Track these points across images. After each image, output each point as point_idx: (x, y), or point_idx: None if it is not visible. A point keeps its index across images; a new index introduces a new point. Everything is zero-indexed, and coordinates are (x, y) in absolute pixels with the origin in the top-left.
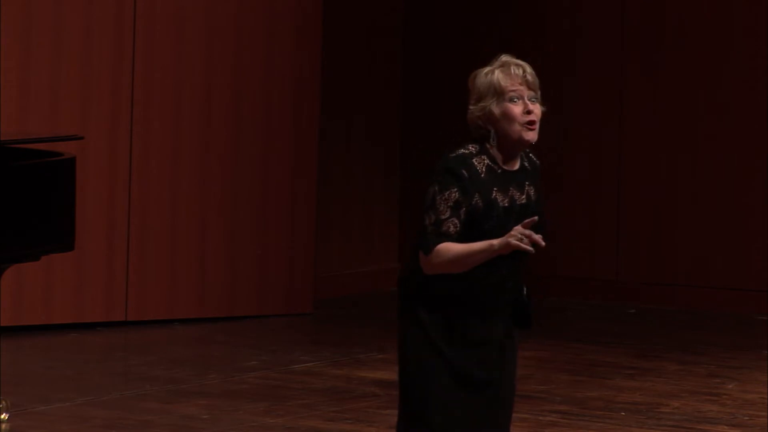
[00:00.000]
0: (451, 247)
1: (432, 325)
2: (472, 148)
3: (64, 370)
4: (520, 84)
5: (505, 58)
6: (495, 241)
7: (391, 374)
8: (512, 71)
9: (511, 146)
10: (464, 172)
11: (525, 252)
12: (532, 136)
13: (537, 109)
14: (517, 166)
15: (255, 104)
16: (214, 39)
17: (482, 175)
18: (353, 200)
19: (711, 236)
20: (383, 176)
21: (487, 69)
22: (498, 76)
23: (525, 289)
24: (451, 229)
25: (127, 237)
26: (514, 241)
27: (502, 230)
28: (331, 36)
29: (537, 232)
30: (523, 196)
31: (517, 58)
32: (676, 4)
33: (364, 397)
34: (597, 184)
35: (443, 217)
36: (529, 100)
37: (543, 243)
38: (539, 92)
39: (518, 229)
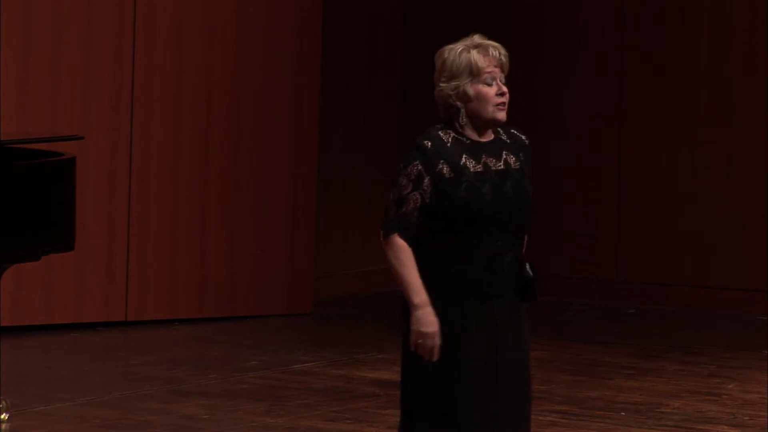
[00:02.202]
0: (400, 254)
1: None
2: (438, 125)
3: (64, 370)
4: (495, 66)
5: (478, 38)
6: (417, 303)
7: (391, 374)
8: (490, 53)
9: (482, 125)
10: (427, 142)
11: (519, 225)
12: (503, 116)
13: (506, 89)
14: (490, 138)
15: (255, 104)
16: (214, 39)
17: (448, 145)
18: (353, 200)
19: (711, 236)
20: (383, 176)
21: (459, 47)
22: (475, 56)
23: (528, 264)
24: (411, 205)
25: (127, 237)
26: (418, 337)
27: (479, 198)
28: (331, 36)
29: (523, 221)
30: (500, 163)
31: (519, 57)
32: (676, 4)
33: (364, 397)
34: (597, 184)
35: (405, 192)
36: (501, 81)
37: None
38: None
39: (434, 340)
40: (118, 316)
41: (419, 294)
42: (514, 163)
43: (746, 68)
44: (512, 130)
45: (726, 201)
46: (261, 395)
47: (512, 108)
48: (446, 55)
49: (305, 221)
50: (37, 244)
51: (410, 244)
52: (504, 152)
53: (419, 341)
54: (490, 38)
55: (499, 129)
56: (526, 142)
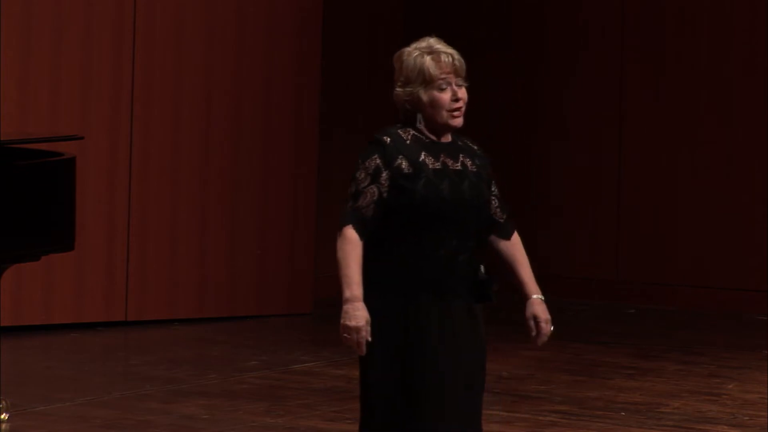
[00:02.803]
0: (346, 246)
1: (384, 313)
2: (398, 125)
3: (64, 370)
4: (449, 72)
5: (434, 43)
6: (348, 297)
7: None
8: (442, 59)
9: (438, 129)
10: (386, 138)
11: (474, 227)
12: (458, 122)
13: (463, 93)
14: (449, 140)
15: (255, 104)
16: (214, 39)
17: (407, 142)
18: None
19: (711, 236)
20: None
21: (415, 52)
22: (428, 63)
23: (482, 267)
24: (368, 198)
25: (127, 237)
26: (344, 331)
27: (437, 194)
28: (331, 36)
29: (478, 223)
30: (458, 164)
31: (519, 57)
32: (676, 4)
33: None
34: (597, 184)
35: (362, 186)
36: (456, 86)
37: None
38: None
39: (359, 334)
40: (118, 316)
41: (351, 288)
42: (471, 165)
43: (746, 68)
44: (466, 140)
45: (726, 201)
46: (261, 395)
47: (512, 108)
48: (403, 58)
49: (305, 221)
50: (37, 244)
51: (365, 238)
52: (461, 155)
53: (345, 335)
54: (490, 38)
55: (454, 136)
56: (479, 151)
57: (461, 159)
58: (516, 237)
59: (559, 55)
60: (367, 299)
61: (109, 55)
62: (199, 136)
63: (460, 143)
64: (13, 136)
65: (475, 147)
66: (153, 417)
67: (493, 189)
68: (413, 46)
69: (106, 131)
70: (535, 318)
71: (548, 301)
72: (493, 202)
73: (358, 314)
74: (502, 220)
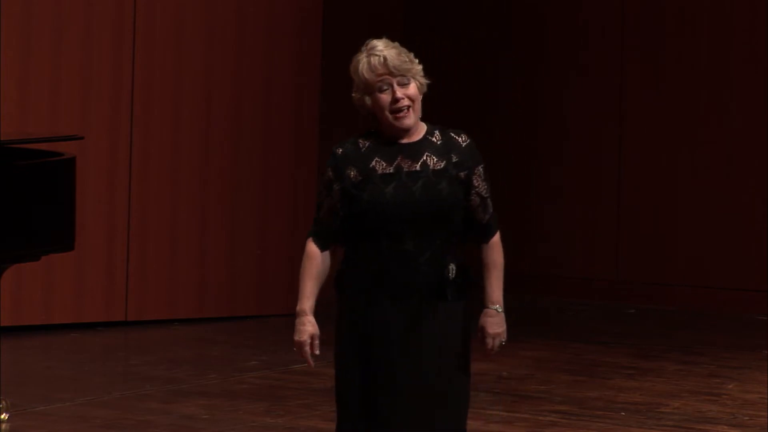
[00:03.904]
0: (305, 260)
1: (350, 315)
2: (371, 129)
3: (64, 370)
4: (383, 73)
5: (374, 45)
6: (297, 311)
7: None
8: (372, 62)
9: (393, 131)
10: (338, 150)
11: (438, 226)
12: (404, 122)
13: (406, 91)
14: (415, 139)
15: (255, 104)
16: (214, 39)
17: (362, 150)
18: None
19: (711, 236)
20: None
21: (358, 57)
22: (363, 69)
23: (453, 267)
24: (325, 209)
25: (127, 237)
26: (294, 345)
27: (380, 197)
28: (331, 36)
29: (437, 221)
30: (416, 165)
31: (519, 57)
32: (676, 4)
33: None
34: (597, 184)
35: (320, 199)
36: (399, 85)
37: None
38: (413, 68)
39: (302, 349)
40: (118, 316)
41: (300, 302)
42: (435, 164)
43: (746, 68)
44: (451, 133)
45: (726, 201)
46: (261, 395)
47: (512, 108)
48: (352, 65)
49: (305, 221)
50: (37, 244)
51: (328, 249)
52: (426, 153)
53: (294, 349)
54: (490, 38)
55: (435, 131)
56: (464, 144)
57: (424, 158)
58: (495, 240)
59: (559, 55)
60: (339, 302)
61: (109, 55)
62: (199, 136)
63: (433, 139)
64: (13, 136)
65: (462, 139)
66: (153, 417)
67: (476, 185)
68: (361, 52)
69: (106, 131)
70: (483, 330)
71: (548, 301)
72: (474, 200)
73: (302, 329)
74: (483, 221)
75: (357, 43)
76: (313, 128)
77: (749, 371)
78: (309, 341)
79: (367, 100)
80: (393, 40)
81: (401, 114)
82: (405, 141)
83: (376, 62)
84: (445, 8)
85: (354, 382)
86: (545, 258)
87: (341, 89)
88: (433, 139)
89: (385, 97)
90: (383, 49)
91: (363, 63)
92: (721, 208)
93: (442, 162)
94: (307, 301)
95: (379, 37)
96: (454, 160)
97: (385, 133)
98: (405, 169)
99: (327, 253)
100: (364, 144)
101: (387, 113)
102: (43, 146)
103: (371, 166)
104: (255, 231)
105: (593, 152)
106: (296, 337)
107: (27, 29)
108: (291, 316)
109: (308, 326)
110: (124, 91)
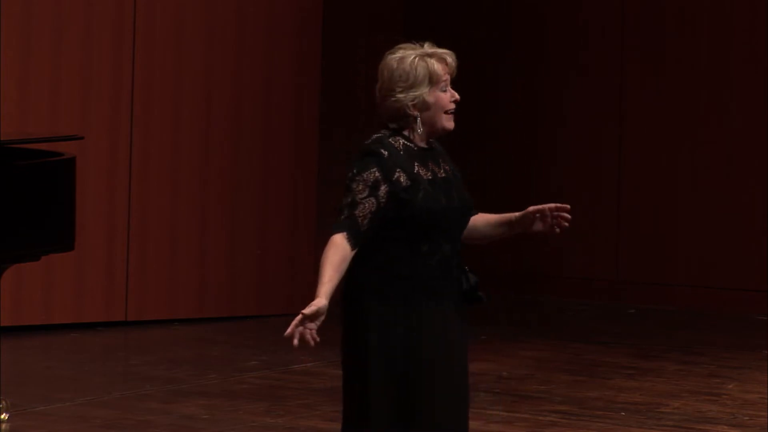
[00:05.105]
0: (331, 250)
1: (387, 320)
2: (385, 131)
3: (64, 370)
4: (450, 73)
5: (428, 46)
6: (318, 295)
7: None
8: (447, 60)
9: (432, 133)
10: (383, 151)
11: (462, 230)
12: (452, 124)
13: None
14: (426, 145)
15: (255, 104)
16: (214, 39)
17: (401, 153)
18: None
19: (711, 236)
20: None
21: (411, 56)
22: (435, 65)
23: (467, 269)
24: (366, 209)
25: (127, 237)
26: (295, 328)
27: (436, 205)
28: (331, 36)
29: (464, 226)
30: (441, 171)
31: (519, 57)
32: (676, 4)
33: None
34: (597, 184)
35: (360, 197)
36: (450, 87)
37: (313, 343)
38: None
39: (301, 327)
40: (118, 316)
41: (323, 286)
42: (450, 171)
43: (746, 68)
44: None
45: (726, 201)
46: (261, 395)
47: (512, 108)
48: (399, 65)
49: (305, 221)
50: (37, 244)
51: (356, 248)
52: (440, 160)
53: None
54: (490, 38)
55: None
56: (443, 150)
57: (442, 165)
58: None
59: (559, 55)
60: (371, 307)
61: (109, 55)
62: (199, 136)
63: (434, 146)
64: (13, 136)
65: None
66: (153, 417)
67: None
68: (403, 53)
69: (106, 131)
70: (540, 211)
71: (548, 301)
72: None
73: (317, 301)
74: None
75: (357, 43)
76: (313, 128)
77: (749, 371)
78: (310, 317)
79: (429, 96)
80: (393, 40)
81: (452, 115)
82: (423, 145)
83: (450, 61)
84: (445, 8)
85: (390, 384)
86: (545, 258)
87: (341, 89)
88: (434, 146)
89: (447, 97)
90: (443, 49)
91: (430, 61)
92: (721, 208)
93: (451, 168)
94: (323, 287)
95: (379, 37)
96: (451, 165)
97: (415, 136)
98: (438, 176)
99: (352, 253)
100: (398, 147)
101: (442, 113)
102: (43, 146)
103: (416, 171)
104: (255, 231)
105: (593, 152)
106: (306, 310)
107: (27, 29)
108: (291, 316)
109: (322, 303)
110: (124, 91)
